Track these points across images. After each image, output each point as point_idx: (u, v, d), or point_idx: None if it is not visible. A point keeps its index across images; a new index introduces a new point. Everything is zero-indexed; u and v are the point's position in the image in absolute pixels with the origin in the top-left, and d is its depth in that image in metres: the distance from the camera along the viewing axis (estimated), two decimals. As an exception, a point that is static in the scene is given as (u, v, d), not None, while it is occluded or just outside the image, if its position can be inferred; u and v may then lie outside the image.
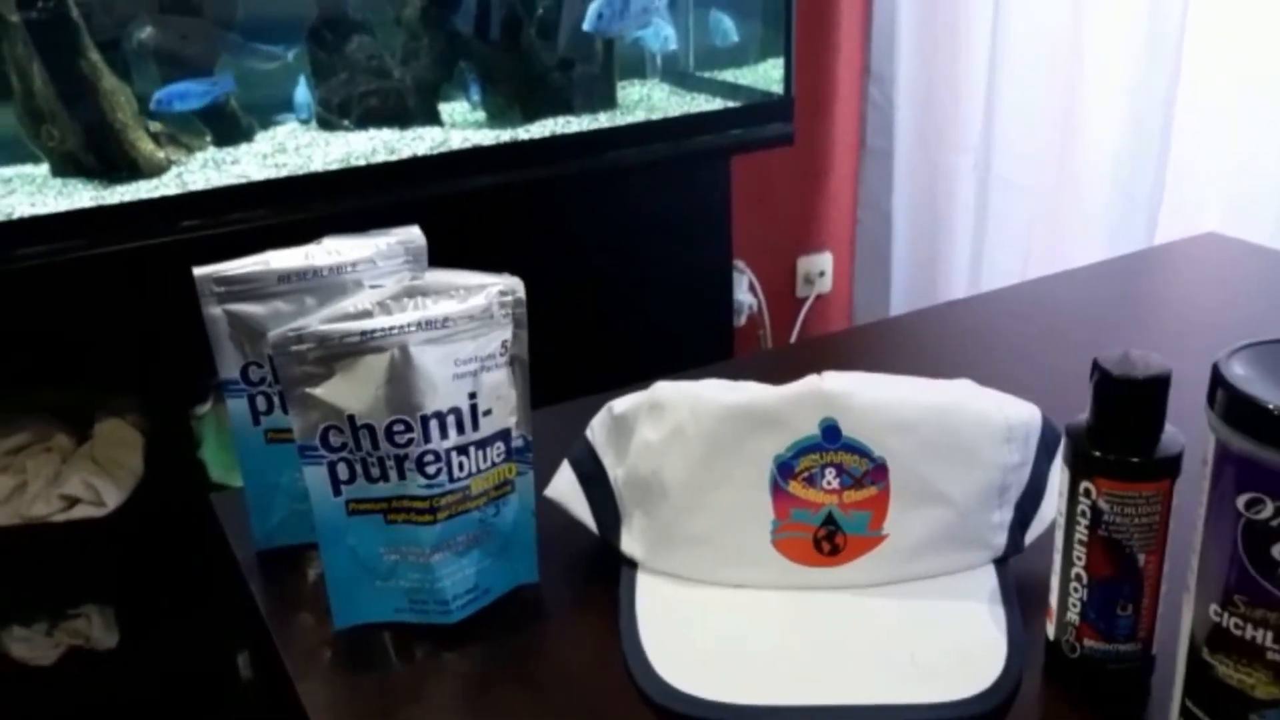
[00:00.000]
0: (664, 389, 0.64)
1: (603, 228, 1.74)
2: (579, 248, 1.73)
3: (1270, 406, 0.43)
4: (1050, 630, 0.56)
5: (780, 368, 0.67)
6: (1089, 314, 1.04)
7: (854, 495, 0.60)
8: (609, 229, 1.74)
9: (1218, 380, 0.46)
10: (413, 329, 0.58)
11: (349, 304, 0.59)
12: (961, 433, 0.61)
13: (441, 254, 0.69)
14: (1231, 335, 0.96)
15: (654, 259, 1.82)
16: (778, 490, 0.61)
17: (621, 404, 0.66)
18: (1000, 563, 0.63)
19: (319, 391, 0.58)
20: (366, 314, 0.59)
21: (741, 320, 2.31)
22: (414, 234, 0.68)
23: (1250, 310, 1.03)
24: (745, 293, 2.33)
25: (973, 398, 0.63)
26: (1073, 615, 0.54)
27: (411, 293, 0.60)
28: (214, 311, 0.66)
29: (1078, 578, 0.54)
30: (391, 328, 0.58)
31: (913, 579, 0.61)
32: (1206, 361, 0.48)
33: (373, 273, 0.66)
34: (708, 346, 2.02)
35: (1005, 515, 0.63)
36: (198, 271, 0.65)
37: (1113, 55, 1.86)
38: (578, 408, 0.71)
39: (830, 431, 0.60)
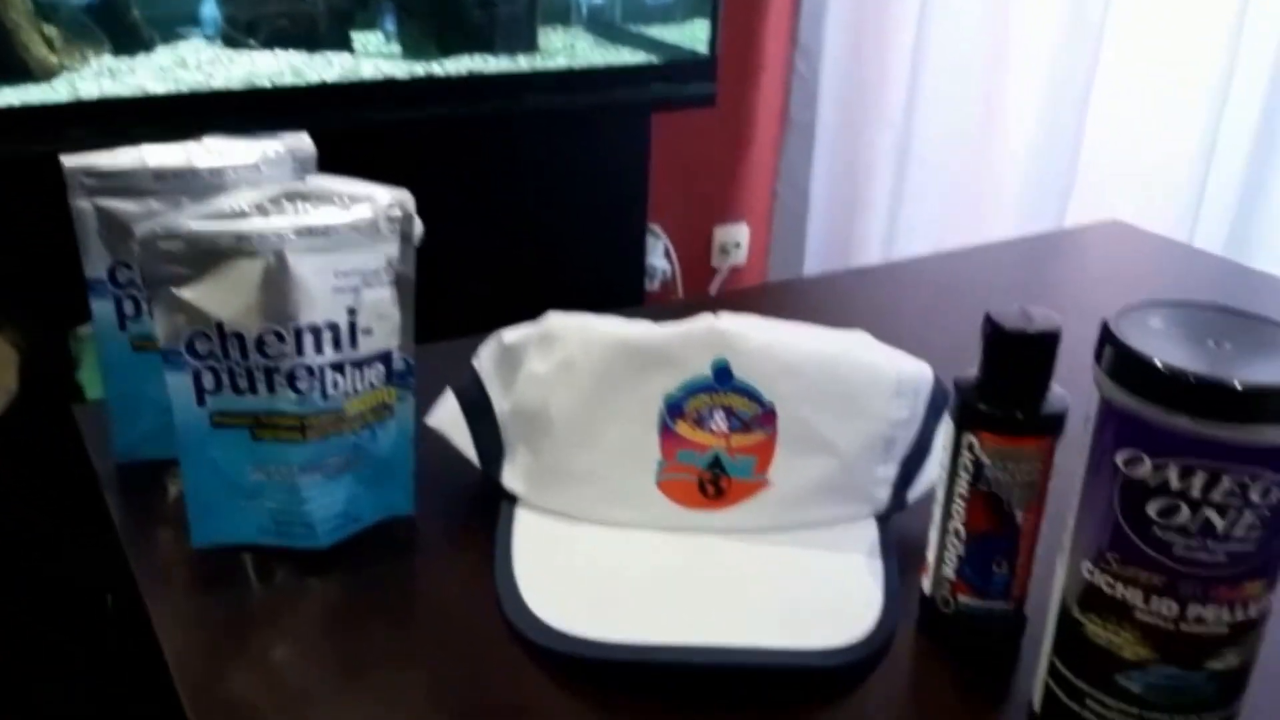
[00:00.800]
0: (556, 320, 0.62)
1: (514, 175, 1.70)
2: (488, 193, 1.69)
3: (1154, 361, 0.43)
4: (925, 585, 0.56)
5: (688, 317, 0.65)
6: (990, 291, 1.04)
7: (741, 439, 0.59)
8: (521, 177, 1.71)
9: (1105, 336, 0.45)
10: (291, 235, 0.55)
11: (225, 203, 0.56)
12: (851, 382, 0.60)
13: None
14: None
15: (566, 212, 1.79)
16: (666, 430, 0.59)
17: (511, 334, 0.63)
18: (882, 519, 0.62)
19: (186, 294, 0.55)
20: (242, 215, 0.55)
21: (654, 285, 2.30)
22: (303, 141, 0.65)
23: (1151, 298, 1.04)
24: (660, 258, 2.31)
25: (866, 349, 0.63)
26: (948, 570, 0.54)
27: (292, 196, 0.56)
28: (82, 205, 0.62)
29: (955, 533, 0.53)
30: (268, 232, 0.55)
31: (794, 528, 0.60)
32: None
33: (255, 178, 0.63)
34: (617, 308, 2.00)
35: (889, 470, 0.62)
36: (67, 161, 0.61)
37: (1035, 42, 1.88)
38: (472, 344, 0.69)
39: (722, 372, 0.59)
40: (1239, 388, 0.42)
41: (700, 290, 2.46)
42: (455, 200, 1.63)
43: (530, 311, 0.65)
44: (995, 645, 0.55)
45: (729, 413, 0.59)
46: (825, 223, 2.36)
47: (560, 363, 0.61)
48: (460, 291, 1.77)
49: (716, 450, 0.59)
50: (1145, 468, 0.43)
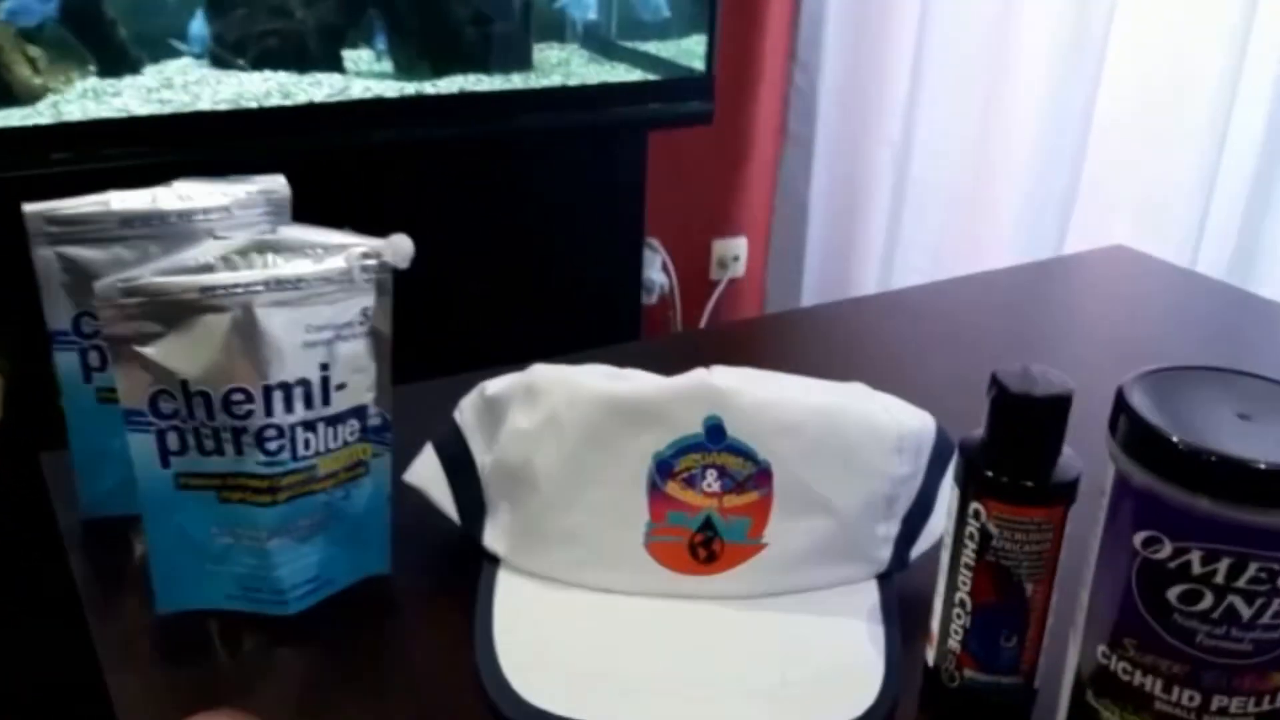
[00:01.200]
0: (541, 372, 0.59)
1: (510, 195, 1.68)
2: (483, 212, 1.66)
3: (1174, 440, 0.40)
4: (930, 656, 0.53)
5: (683, 355, 0.62)
6: (994, 321, 1.01)
7: (735, 500, 0.56)
8: (516, 197, 1.68)
9: (1121, 407, 0.43)
10: (260, 288, 0.52)
11: (190, 255, 0.53)
12: (849, 438, 0.57)
13: (330, 211, 0.63)
14: (1135, 352, 0.94)
15: (563, 231, 1.76)
16: (655, 490, 0.56)
17: (495, 385, 0.60)
18: (883, 578, 0.59)
19: (149, 351, 0.52)
20: (209, 268, 0.53)
21: (652, 299, 2.27)
22: (278, 183, 0.62)
23: (1154, 328, 1.01)
24: (658, 272, 2.28)
25: (864, 401, 0.59)
26: (954, 643, 0.51)
27: (262, 248, 0.54)
28: (45, 253, 0.59)
29: (961, 603, 0.50)
30: (236, 285, 0.52)
31: (791, 591, 0.57)
32: (1108, 378, 0.44)
33: (227, 223, 0.60)
34: (616, 324, 1.98)
35: (891, 529, 0.59)
36: (28, 208, 0.58)
37: (1035, 61, 1.85)
38: (459, 384, 0.66)
39: (714, 430, 0.56)
40: (1265, 469, 0.39)
41: (699, 302, 2.43)
42: (450, 220, 1.61)
43: (529, 337, 0.62)
44: (1003, 722, 0.52)
45: (722, 472, 0.56)
46: (824, 236, 2.33)
47: (545, 418, 0.57)
48: (457, 313, 1.74)
49: (708, 511, 0.56)
50: (1165, 550, 0.41)
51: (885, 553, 0.59)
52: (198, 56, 1.49)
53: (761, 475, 0.56)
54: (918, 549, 0.60)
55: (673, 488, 0.56)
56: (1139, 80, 1.74)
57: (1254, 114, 1.60)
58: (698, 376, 0.56)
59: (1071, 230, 1.87)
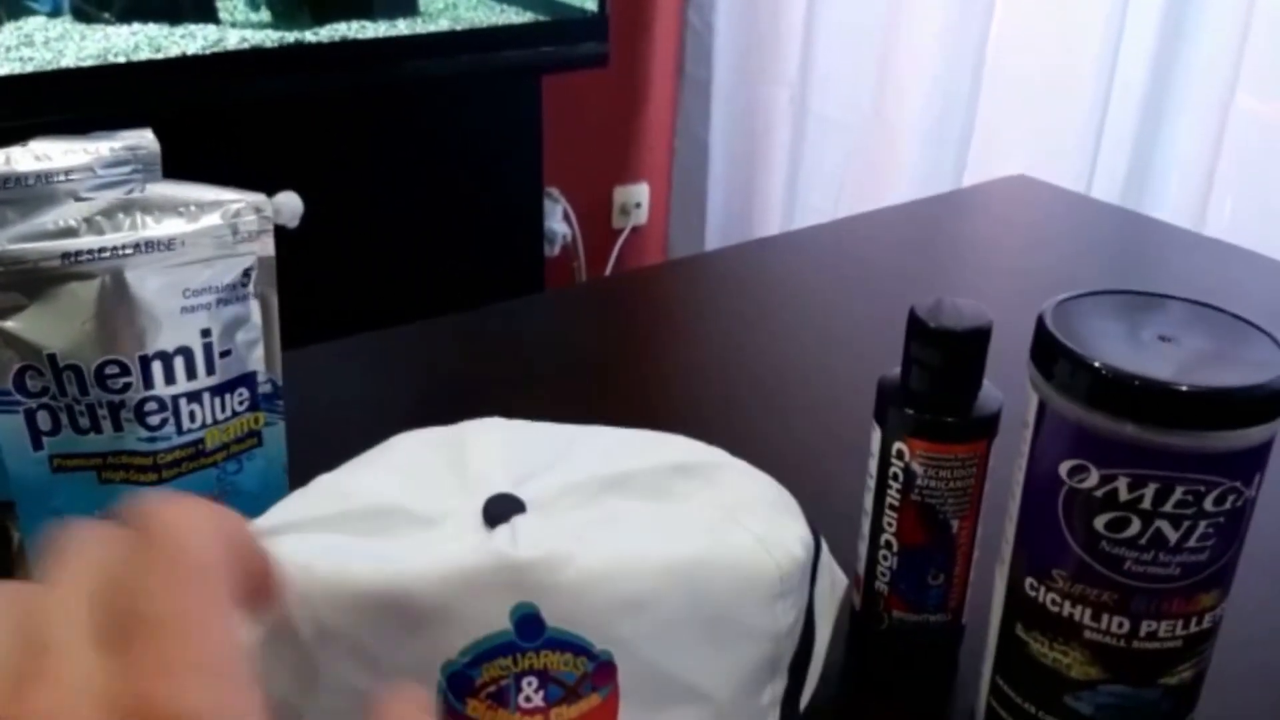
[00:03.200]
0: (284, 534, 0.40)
1: (401, 146, 1.62)
2: (374, 166, 1.61)
3: (1098, 366, 0.39)
4: (856, 600, 0.52)
5: (588, 306, 0.59)
6: (900, 256, 1.01)
7: (567, 712, 0.39)
8: (408, 148, 1.63)
9: (1042, 335, 0.41)
10: (129, 250, 0.48)
11: (49, 219, 0.49)
12: (718, 601, 0.40)
13: (210, 171, 0.59)
14: (1042, 280, 0.95)
15: (458, 182, 1.72)
16: (450, 712, 0.39)
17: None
18: None
19: (11, 325, 0.48)
20: (71, 232, 0.48)
21: (555, 250, 2.24)
22: (145, 138, 0.57)
23: (1058, 255, 1.02)
24: (559, 222, 2.25)
25: (729, 533, 0.41)
26: (881, 584, 0.50)
27: (130, 208, 0.50)
28: (-113, 224, 0.54)
29: (887, 545, 0.49)
30: (102, 249, 0.48)
31: None
32: (1017, 308, 0.43)
33: (91, 183, 0.55)
34: (518, 278, 1.94)
35: (777, 689, 0.43)
36: None
37: (929, -6, 1.85)
38: (353, 345, 0.62)
39: (528, 622, 0.38)
40: (1188, 390, 0.38)
41: (603, 251, 2.40)
42: (339, 175, 1.55)
43: (429, 293, 0.59)
44: (933, 660, 0.51)
45: (544, 678, 0.39)
46: (726, 179, 2.32)
47: (269, 629, 0.38)
48: (350, 271, 1.69)
49: None
50: (1092, 479, 0.40)
51: (773, 718, 0.44)
52: (58, 12, 1.40)
53: (601, 671, 0.39)
54: (807, 693, 0.45)
55: (476, 709, 0.39)
56: (1030, 11, 1.75)
57: (1142, 41, 1.62)
58: (496, 550, 0.38)
59: (970, 164, 1.88)
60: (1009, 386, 0.46)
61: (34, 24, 1.39)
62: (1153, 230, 1.11)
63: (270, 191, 0.53)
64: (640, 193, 2.44)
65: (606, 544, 0.39)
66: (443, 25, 1.58)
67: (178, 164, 0.59)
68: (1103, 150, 1.68)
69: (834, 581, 0.47)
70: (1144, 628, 0.41)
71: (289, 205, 0.53)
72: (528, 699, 0.39)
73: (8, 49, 1.32)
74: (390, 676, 0.38)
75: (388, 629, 0.38)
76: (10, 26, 1.37)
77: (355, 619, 0.38)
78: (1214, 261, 1.00)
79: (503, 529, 0.39)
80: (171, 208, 0.50)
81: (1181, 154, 1.63)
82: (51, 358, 0.48)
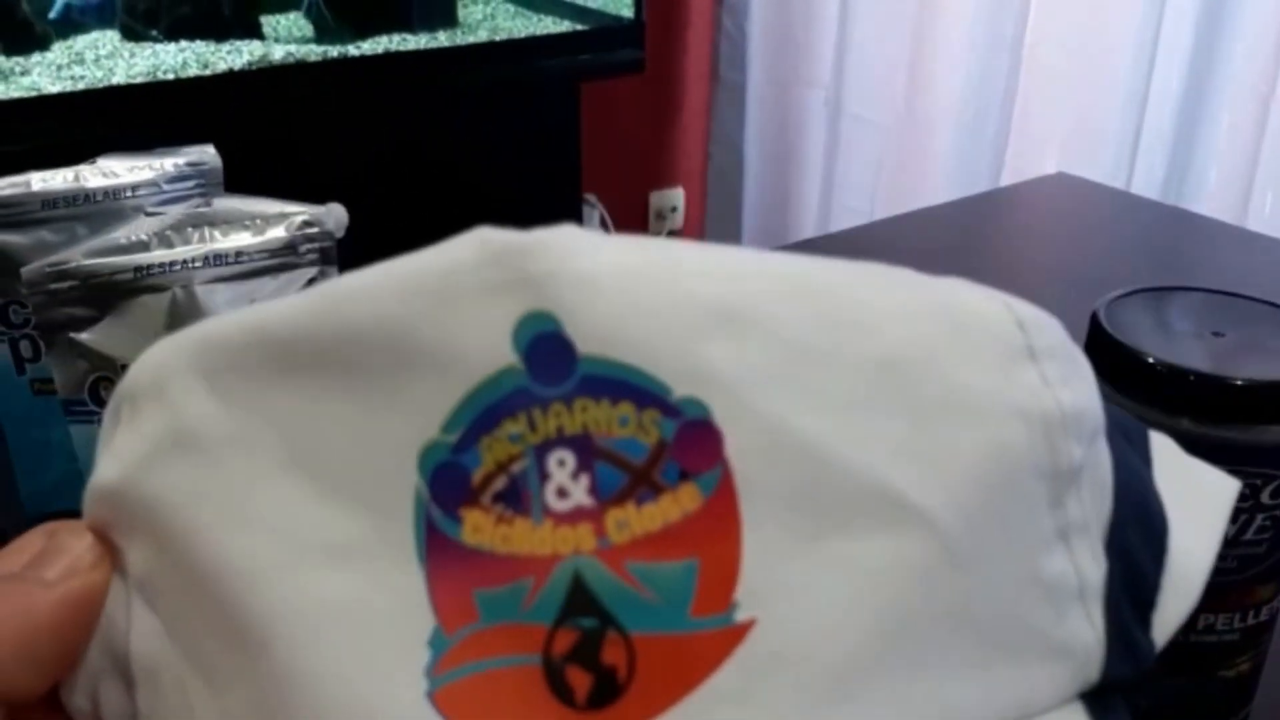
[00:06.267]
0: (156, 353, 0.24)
1: (443, 155, 1.64)
2: (416, 176, 1.63)
3: (1152, 361, 0.40)
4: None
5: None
6: (940, 259, 1.01)
7: (638, 518, 0.20)
8: (449, 157, 1.65)
9: (1096, 332, 0.42)
10: (198, 264, 0.50)
11: (121, 234, 0.51)
12: (896, 335, 0.22)
13: (260, 182, 0.61)
14: (1084, 277, 0.95)
15: (498, 189, 1.74)
16: (438, 547, 0.21)
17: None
18: (1095, 699, 0.23)
19: (85, 337, 0.50)
20: (143, 246, 0.50)
21: (591, 256, 2.25)
22: (207, 154, 0.60)
23: (1102, 251, 1.02)
24: (596, 228, 2.27)
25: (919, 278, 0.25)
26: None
27: (197, 222, 0.51)
28: (-38, 241, 0.56)
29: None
30: (173, 263, 0.49)
31: None
32: (1060, 306, 0.43)
33: (157, 197, 0.57)
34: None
35: (1085, 565, 0.23)
36: (-60, 194, 0.55)
37: (964, -8, 1.85)
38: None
39: (548, 348, 0.20)
40: (1242, 384, 0.38)
41: (639, 259, 2.41)
42: (383, 184, 1.57)
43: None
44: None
45: (586, 452, 0.20)
46: (761, 182, 2.33)
47: (163, 435, 0.23)
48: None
49: (576, 563, 0.20)
50: (1147, 474, 0.40)
51: (1080, 627, 0.23)
52: (109, 30, 1.43)
53: (692, 439, 0.20)
54: (1166, 613, 0.24)
55: (479, 529, 0.21)
56: (1066, 5, 1.75)
57: (1180, 34, 1.61)
58: (483, 235, 0.22)
59: (1007, 162, 1.88)
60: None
61: (84, 42, 1.42)
62: (1194, 225, 1.11)
63: (316, 202, 0.55)
64: (676, 197, 2.45)
65: (656, 245, 0.22)
66: (481, 36, 1.60)
67: (230, 175, 0.61)
68: (1141, 146, 1.67)
69: (1196, 472, 0.29)
70: (1202, 621, 0.42)
71: (335, 215, 0.54)
72: (562, 493, 0.20)
73: (59, 67, 1.36)
74: (338, 492, 0.21)
75: (326, 400, 0.22)
76: (60, 45, 1.40)
77: (278, 392, 0.22)
78: (1258, 256, 1.00)
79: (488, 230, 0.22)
80: (238, 221, 0.52)
81: (1222, 148, 1.62)
82: (125, 368, 0.50)
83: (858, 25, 2.03)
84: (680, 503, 0.20)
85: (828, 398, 0.21)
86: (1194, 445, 0.39)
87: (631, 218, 2.38)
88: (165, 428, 0.23)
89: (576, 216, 2.01)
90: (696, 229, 2.50)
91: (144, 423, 0.24)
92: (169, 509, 0.23)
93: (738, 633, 0.20)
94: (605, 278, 0.21)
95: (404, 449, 0.21)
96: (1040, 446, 0.22)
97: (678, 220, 2.47)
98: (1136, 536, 0.24)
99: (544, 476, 0.21)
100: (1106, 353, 0.41)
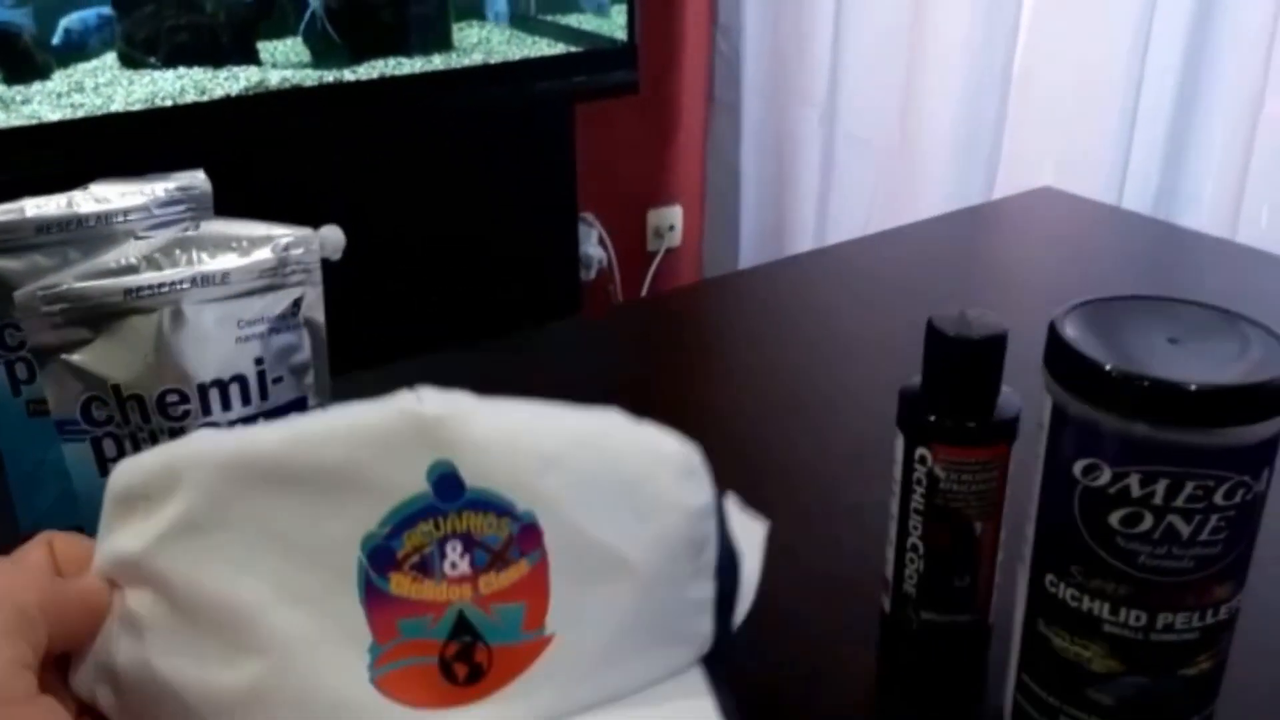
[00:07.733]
0: (183, 450, 0.39)
1: (438, 177, 1.66)
2: (414, 199, 1.65)
3: (1107, 368, 0.41)
4: (885, 603, 0.54)
5: (626, 327, 0.61)
6: (929, 270, 1.03)
7: (495, 580, 0.38)
8: (446, 179, 1.67)
9: (1054, 340, 0.43)
10: (186, 285, 0.51)
11: (111, 257, 0.52)
12: (628, 465, 0.40)
13: (256, 206, 0.62)
14: (1069, 290, 0.96)
15: (495, 210, 1.75)
16: (373, 594, 0.37)
17: (125, 478, 0.39)
18: (710, 663, 0.43)
19: (77, 358, 0.51)
20: (132, 269, 0.51)
21: (591, 274, 2.27)
22: (197, 179, 0.61)
23: (1086, 264, 1.03)
24: (594, 246, 2.28)
25: (629, 424, 0.42)
26: (909, 587, 0.52)
27: (185, 245, 0.53)
28: (-42, 266, 0.57)
29: (914, 548, 0.51)
30: (161, 285, 0.51)
31: (594, 706, 0.40)
32: (1044, 318, 0.45)
33: (148, 222, 0.59)
34: (554, 301, 1.97)
35: (704, 588, 0.42)
36: (-63, 220, 0.57)
37: (955, 12, 1.87)
38: (398, 372, 0.65)
39: (446, 482, 0.37)
40: (1195, 390, 0.40)
41: (638, 274, 2.43)
42: (381, 206, 1.59)
43: (466, 315, 0.61)
44: (962, 660, 0.53)
45: (468, 543, 0.37)
46: (758, 200, 2.34)
47: (176, 522, 0.37)
48: (394, 300, 1.73)
49: (460, 606, 0.38)
50: (1105, 477, 0.41)
51: (704, 624, 0.42)
52: (107, 58, 1.45)
53: (526, 535, 0.38)
54: (740, 612, 0.44)
55: (400, 583, 0.37)
56: (1057, 25, 1.76)
57: (1170, 51, 1.63)
58: (404, 407, 0.37)
59: (999, 179, 1.89)
60: (1032, 394, 0.48)
61: (83, 71, 1.44)
62: (1181, 239, 1.12)
63: (313, 225, 0.56)
64: (674, 215, 2.47)
65: (511, 411, 0.39)
66: (476, 59, 1.62)
67: (224, 200, 0.62)
68: (1133, 162, 1.69)
69: (748, 522, 0.46)
70: (1161, 620, 0.43)
71: (332, 239, 0.56)
72: (453, 565, 0.37)
73: (59, 95, 1.38)
74: (313, 555, 0.36)
75: (299, 504, 0.36)
76: (61, 74, 1.43)
77: (264, 498, 0.37)
78: (1245, 269, 1.01)
79: (404, 393, 0.37)
80: (225, 243, 0.53)
81: (1212, 163, 1.64)
82: (115, 388, 0.51)
83: (851, 46, 2.05)
84: (519, 570, 0.38)
85: (596, 505, 0.39)
86: (1150, 449, 0.40)
87: (630, 235, 2.39)
88: (176, 517, 0.37)
89: (573, 235, 2.02)
90: (694, 246, 2.51)
91: (157, 514, 0.37)
92: (178, 574, 0.37)
93: (546, 641, 0.39)
94: (482, 439, 0.38)
95: (352, 536, 0.37)
96: (693, 525, 0.41)
97: (675, 238, 2.48)
98: (727, 566, 0.43)
99: (443, 556, 0.37)
100: (1065, 361, 0.42)
